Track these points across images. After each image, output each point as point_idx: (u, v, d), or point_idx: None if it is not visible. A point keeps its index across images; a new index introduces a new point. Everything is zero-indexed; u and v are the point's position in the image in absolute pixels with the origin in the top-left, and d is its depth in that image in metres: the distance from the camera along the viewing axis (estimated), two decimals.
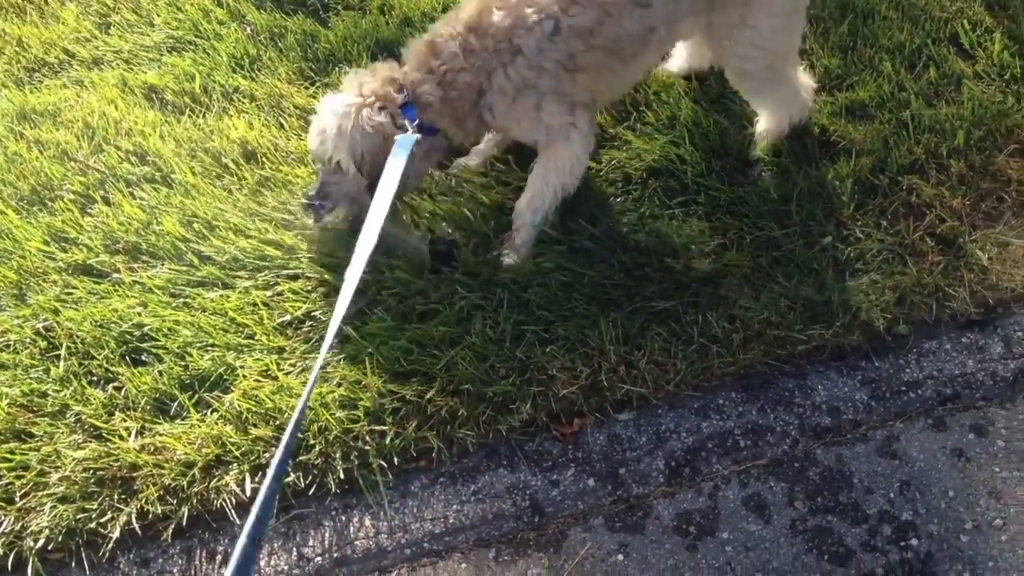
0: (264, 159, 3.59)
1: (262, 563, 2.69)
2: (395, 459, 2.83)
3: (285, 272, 3.22)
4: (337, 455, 2.82)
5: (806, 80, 3.59)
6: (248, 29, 4.20)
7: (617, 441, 2.93)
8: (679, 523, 2.77)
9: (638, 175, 3.47)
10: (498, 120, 3.17)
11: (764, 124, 3.57)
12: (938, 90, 3.76)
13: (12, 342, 3.09)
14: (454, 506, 2.80)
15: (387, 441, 2.83)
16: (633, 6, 3.01)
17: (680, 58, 3.78)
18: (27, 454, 2.81)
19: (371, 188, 3.00)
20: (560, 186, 3.22)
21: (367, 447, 2.83)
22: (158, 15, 4.33)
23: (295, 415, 2.03)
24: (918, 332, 3.12)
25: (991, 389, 3.00)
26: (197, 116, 3.83)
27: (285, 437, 1.95)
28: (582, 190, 3.41)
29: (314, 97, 3.81)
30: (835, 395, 3.01)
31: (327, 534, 2.75)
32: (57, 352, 3.04)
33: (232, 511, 2.73)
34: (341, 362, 3.00)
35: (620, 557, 2.70)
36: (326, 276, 3.17)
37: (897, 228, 3.32)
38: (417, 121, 3.07)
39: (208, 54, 4.09)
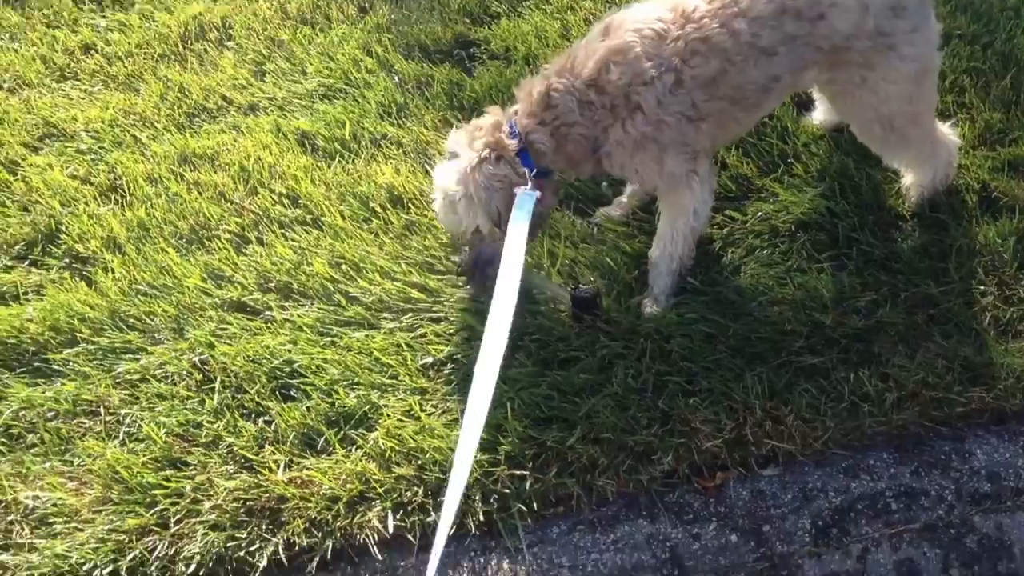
0: (410, 204, 3.67)
1: None
2: (534, 504, 2.81)
3: (428, 315, 3.27)
4: (477, 497, 2.82)
5: (948, 138, 3.44)
6: (396, 78, 4.33)
7: (761, 497, 2.85)
8: None
9: (785, 228, 3.41)
10: (615, 170, 3.14)
11: (908, 179, 3.47)
12: None
13: (170, 374, 3.20)
14: (592, 554, 2.77)
15: (527, 486, 2.82)
16: (759, 54, 2.95)
17: (827, 110, 3.72)
18: (182, 482, 2.90)
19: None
20: (689, 231, 3.18)
21: (507, 491, 2.83)
22: (310, 64, 4.50)
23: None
24: None
25: None
26: (346, 161, 3.94)
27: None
28: (726, 241, 3.39)
29: None
30: (995, 460, 2.88)
31: (465, 574, 2.75)
32: (212, 385, 3.14)
33: (375, 547, 2.76)
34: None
35: None
36: (469, 320, 3.20)
37: None
38: (535, 171, 3.04)
39: (358, 102, 4.22)
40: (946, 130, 3.45)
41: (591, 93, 2.97)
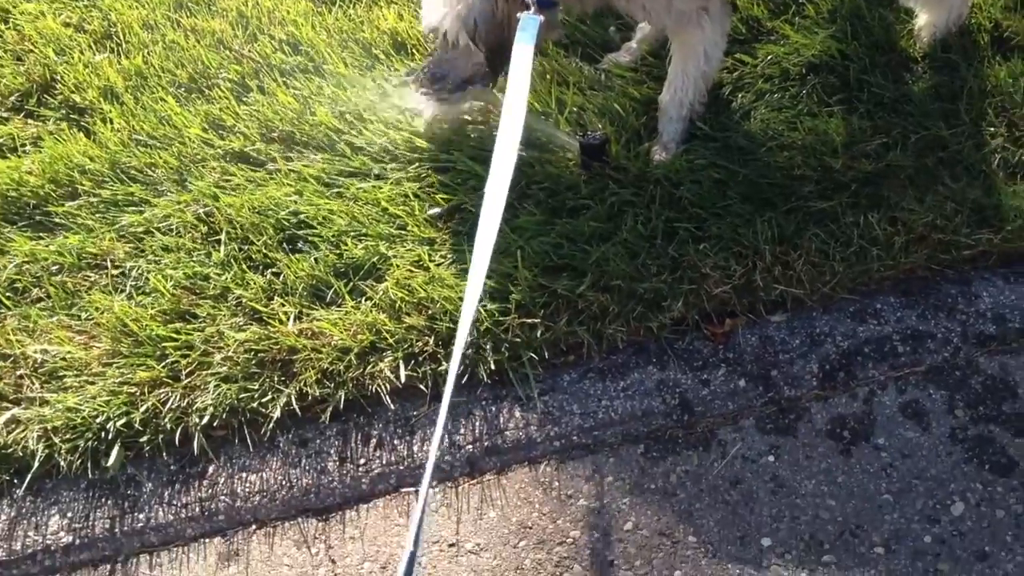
0: (414, 50, 3.57)
1: (415, 448, 2.76)
2: (545, 353, 2.84)
3: (435, 164, 3.22)
4: (488, 347, 2.84)
5: None
6: None
7: (770, 343, 2.88)
8: (832, 427, 2.72)
9: (796, 71, 3.33)
10: (622, 3, 3.02)
11: (922, 19, 3.38)
12: None
13: (175, 226, 3.18)
14: (603, 401, 2.81)
15: (537, 334, 2.84)
16: None
17: None
18: (191, 334, 2.91)
19: (490, 63, 2.94)
20: (700, 75, 3.09)
21: (517, 339, 2.84)
22: None
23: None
24: None
25: None
26: (347, 6, 3.82)
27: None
28: (736, 86, 3.32)
29: None
30: (1001, 303, 2.89)
31: (478, 423, 2.80)
32: (218, 237, 3.13)
33: (387, 397, 2.79)
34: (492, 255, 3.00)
35: (771, 459, 2.68)
36: (476, 169, 3.16)
37: None
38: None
39: None
40: None
41: None
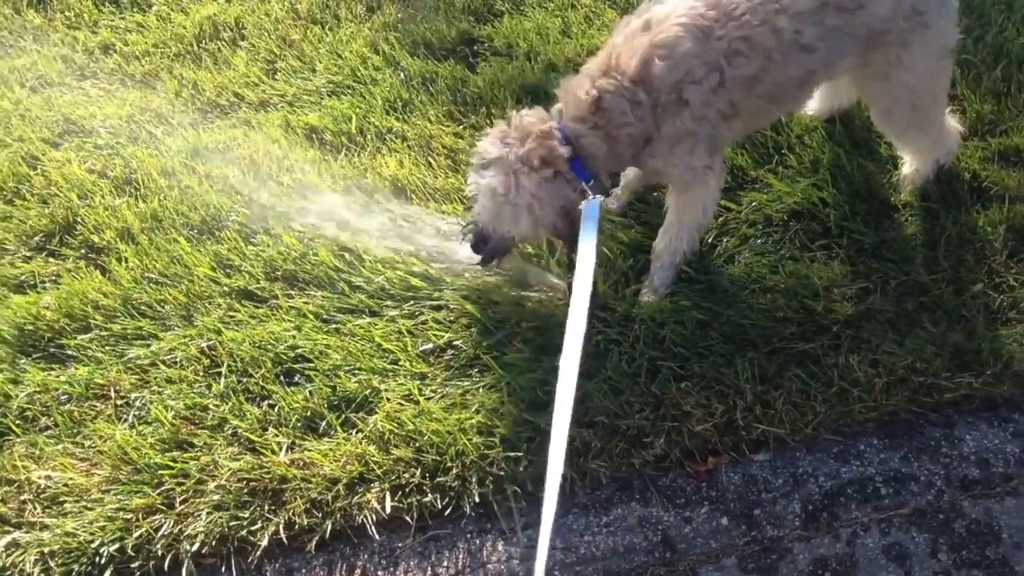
0: (413, 195, 3.76)
1: None
2: (529, 486, 2.89)
3: (429, 303, 3.35)
4: (473, 479, 2.90)
5: (953, 124, 3.55)
6: (402, 74, 4.43)
7: (752, 481, 2.91)
8: (815, 568, 2.72)
9: (778, 217, 3.47)
10: (649, 163, 3.17)
11: (908, 167, 3.53)
12: None
13: (179, 359, 3.31)
14: (586, 536, 2.84)
15: (521, 468, 2.90)
16: (799, 51, 2.99)
17: (821, 99, 3.76)
18: (188, 463, 3.00)
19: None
20: (696, 227, 3.25)
21: (502, 473, 2.90)
22: (320, 62, 4.60)
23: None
24: None
25: None
26: (352, 155, 4.04)
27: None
28: (721, 231, 3.45)
29: (460, 137, 4.00)
30: (985, 446, 2.92)
31: (461, 556, 2.83)
32: (219, 370, 3.24)
33: (372, 527, 2.84)
34: (480, 390, 3.10)
35: None
36: (468, 307, 3.28)
37: None
38: (590, 180, 3.04)
39: (364, 97, 4.32)
40: (949, 116, 3.53)
41: (640, 92, 2.97)
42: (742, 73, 2.97)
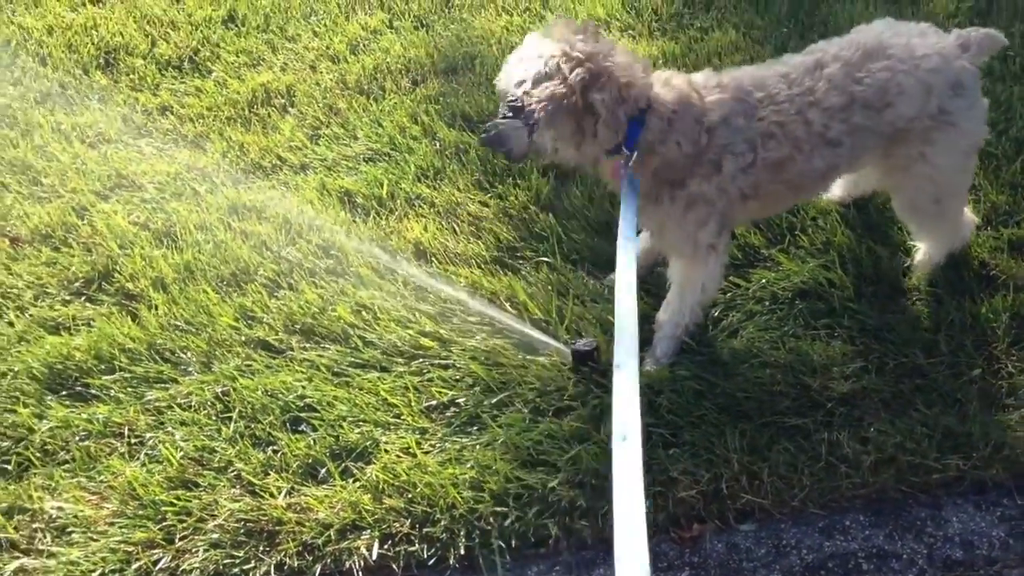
0: (433, 258, 3.90)
1: None
2: (514, 542, 2.95)
3: (438, 361, 3.47)
4: (461, 532, 2.97)
5: (969, 215, 3.60)
6: (437, 144, 4.61)
7: (735, 550, 2.94)
8: None
9: (785, 295, 3.54)
10: (662, 216, 3.19)
11: (922, 255, 3.58)
12: None
13: (194, 403, 3.45)
14: None
15: (508, 523, 2.97)
16: (825, 145, 3.09)
17: (840, 187, 3.84)
18: (191, 501, 3.12)
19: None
20: (696, 303, 3.32)
21: (489, 527, 2.97)
22: (361, 129, 4.81)
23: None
24: None
25: None
26: (381, 217, 4.21)
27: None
28: (728, 305, 3.52)
29: (485, 205, 4.16)
30: (970, 529, 2.92)
31: None
32: (230, 414, 3.38)
33: (359, 572, 2.92)
34: (477, 447, 3.18)
35: None
36: (473, 367, 3.39)
37: None
38: (636, 153, 2.94)
39: (399, 165, 4.51)
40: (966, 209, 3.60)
41: (703, 133, 3.03)
42: (771, 156, 3.07)
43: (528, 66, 2.91)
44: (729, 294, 3.57)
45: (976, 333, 3.34)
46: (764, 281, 3.59)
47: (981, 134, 3.30)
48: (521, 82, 2.87)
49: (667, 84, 3.08)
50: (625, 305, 2.57)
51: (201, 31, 5.85)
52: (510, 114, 2.84)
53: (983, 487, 3.02)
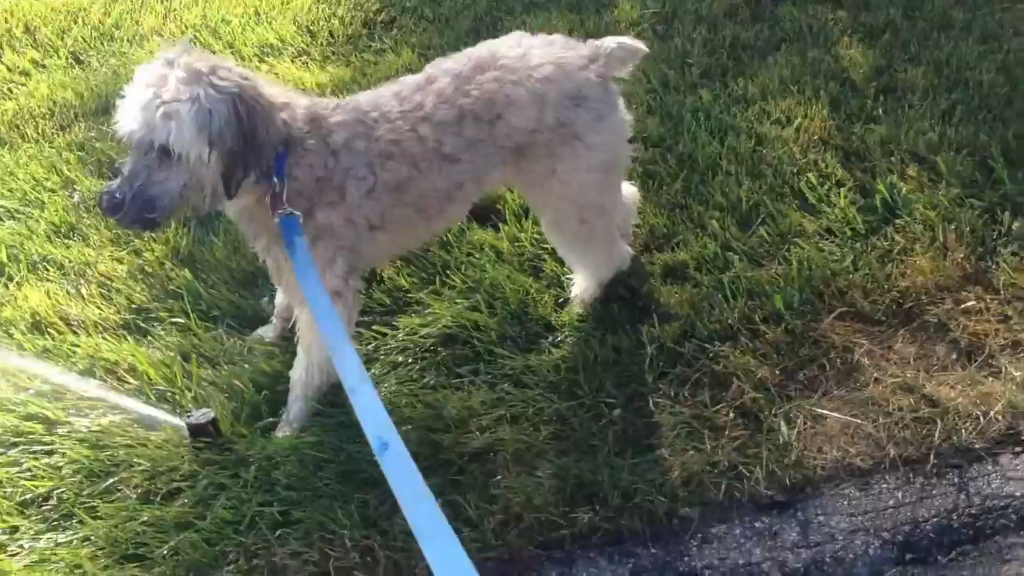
0: (51, 330, 3.51)
1: None
2: None
3: (38, 448, 3.09)
4: None
5: (624, 247, 3.48)
6: (76, 197, 4.18)
7: None
8: None
9: (431, 343, 3.31)
10: (278, 255, 2.89)
11: (578, 287, 3.42)
12: (770, 249, 3.58)
13: None
14: None
15: None
16: (443, 161, 2.90)
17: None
18: None
19: (225, 182, 2.64)
20: (324, 361, 3.02)
21: None
22: None
23: None
24: (708, 515, 2.85)
25: None
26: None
27: None
28: (370, 358, 3.28)
29: (120, 262, 3.78)
30: None
31: None
32: None
33: None
34: (74, 542, 2.83)
35: None
36: (79, 452, 3.02)
37: (699, 399, 3.10)
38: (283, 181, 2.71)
39: (28, 222, 4.07)
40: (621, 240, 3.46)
41: (330, 157, 2.80)
42: (392, 178, 2.86)
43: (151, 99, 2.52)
44: (372, 345, 3.32)
45: (619, 369, 3.18)
46: (410, 328, 3.36)
47: (616, 150, 3.15)
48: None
49: (295, 105, 2.83)
50: (333, 336, 2.38)
51: None
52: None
53: (620, 537, 2.85)
